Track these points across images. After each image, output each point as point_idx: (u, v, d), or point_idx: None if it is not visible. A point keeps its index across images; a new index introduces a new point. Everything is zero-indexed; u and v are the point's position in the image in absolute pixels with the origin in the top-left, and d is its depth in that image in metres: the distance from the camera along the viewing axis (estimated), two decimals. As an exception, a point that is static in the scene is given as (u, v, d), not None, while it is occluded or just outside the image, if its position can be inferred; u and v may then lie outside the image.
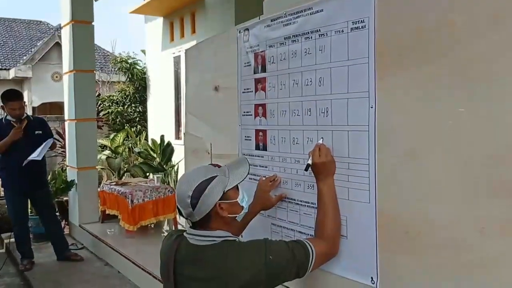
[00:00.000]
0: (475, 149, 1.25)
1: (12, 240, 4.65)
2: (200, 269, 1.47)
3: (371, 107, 1.52)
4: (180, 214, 1.52)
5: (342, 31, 1.62)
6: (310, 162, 1.66)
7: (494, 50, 1.21)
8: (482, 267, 1.25)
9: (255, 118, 2.09)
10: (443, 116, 1.33)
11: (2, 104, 4.38)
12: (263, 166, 2.06)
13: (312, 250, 1.51)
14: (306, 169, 1.68)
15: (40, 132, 4.52)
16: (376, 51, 1.50)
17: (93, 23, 5.67)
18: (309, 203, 1.80)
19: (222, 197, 1.47)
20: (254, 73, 2.07)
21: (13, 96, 4.39)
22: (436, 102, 1.34)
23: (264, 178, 1.95)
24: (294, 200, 1.87)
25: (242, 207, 1.54)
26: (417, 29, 1.39)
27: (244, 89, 2.15)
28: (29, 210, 4.97)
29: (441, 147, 1.33)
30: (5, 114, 4.43)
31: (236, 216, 1.54)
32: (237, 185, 1.52)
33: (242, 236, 2.18)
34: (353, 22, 1.58)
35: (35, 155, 4.28)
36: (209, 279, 1.45)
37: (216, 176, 1.48)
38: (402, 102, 1.44)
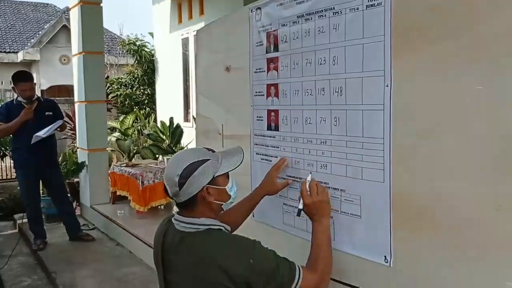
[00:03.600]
0: (493, 127, 1.24)
1: (25, 220, 4.72)
2: (183, 255, 1.47)
3: (387, 86, 1.51)
4: (166, 192, 1.51)
5: (357, 8, 1.59)
6: (300, 206, 1.61)
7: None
8: (498, 245, 1.24)
9: (267, 98, 2.07)
10: (460, 94, 1.31)
11: (13, 86, 4.41)
12: (274, 147, 2.05)
13: (299, 277, 1.43)
14: (298, 215, 1.62)
15: (51, 113, 4.56)
16: (392, 28, 1.47)
17: (101, 4, 5.64)
18: (321, 183, 1.79)
19: (211, 181, 1.46)
20: (266, 52, 2.05)
21: (24, 77, 4.42)
22: (453, 79, 1.32)
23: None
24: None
25: (230, 195, 1.53)
26: (436, 4, 1.36)
27: (256, 69, 2.13)
28: (41, 191, 5.03)
29: (458, 125, 1.32)
30: (16, 96, 4.46)
31: (222, 204, 1.53)
32: (228, 173, 1.51)
33: (253, 216, 2.20)
34: (368, -1, 1.55)
35: (41, 133, 4.32)
36: (191, 265, 1.44)
37: (208, 159, 1.47)
38: (418, 80, 1.42)
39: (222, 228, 1.51)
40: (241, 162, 1.54)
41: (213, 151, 1.54)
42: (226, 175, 1.52)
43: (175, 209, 4.99)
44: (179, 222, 1.50)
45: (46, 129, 4.38)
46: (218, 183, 1.48)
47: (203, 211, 1.48)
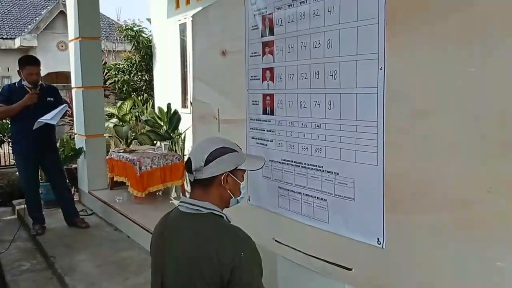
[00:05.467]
0: (485, 109, 1.25)
1: (24, 206, 4.74)
2: (182, 233, 1.51)
3: (380, 69, 1.51)
4: (187, 166, 1.55)
5: (352, -9, 1.58)
6: None
7: None
8: (489, 226, 1.26)
9: (262, 82, 2.07)
10: (453, 76, 1.31)
11: (18, 69, 4.40)
12: (270, 131, 2.06)
13: None
14: None
15: (52, 99, 4.55)
16: (386, 10, 1.47)
17: (98, -11, 5.59)
18: (316, 166, 1.81)
19: (233, 171, 1.55)
20: (262, 36, 2.05)
21: (32, 61, 4.44)
22: (446, 61, 1.33)
23: None
24: (301, 163, 1.88)
25: (240, 193, 1.60)
26: (429, -13, 1.36)
27: (252, 53, 2.13)
28: (40, 177, 5.04)
29: (451, 108, 1.33)
30: (20, 79, 4.44)
31: (231, 198, 1.58)
32: (246, 171, 1.61)
33: (249, 200, 2.21)
34: (363, -18, 1.54)
35: (48, 117, 4.30)
36: (189, 242, 1.48)
37: (237, 152, 1.58)
38: (411, 63, 1.43)
39: (224, 216, 1.56)
40: (261, 168, 1.69)
41: (241, 149, 1.65)
42: (243, 173, 1.61)
43: (173, 194, 4.94)
44: (183, 204, 1.55)
45: (52, 114, 4.35)
46: (237, 175, 1.58)
47: (214, 195, 1.54)
